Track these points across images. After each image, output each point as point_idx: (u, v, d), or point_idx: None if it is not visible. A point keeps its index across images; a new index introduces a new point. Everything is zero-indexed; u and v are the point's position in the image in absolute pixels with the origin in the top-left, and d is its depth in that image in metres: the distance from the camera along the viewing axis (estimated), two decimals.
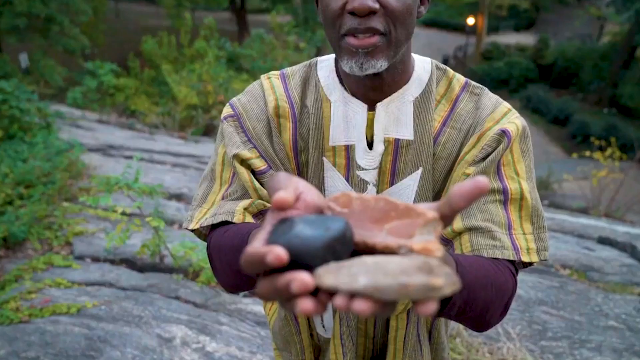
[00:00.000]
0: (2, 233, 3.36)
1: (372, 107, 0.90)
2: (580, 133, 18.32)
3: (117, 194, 3.16)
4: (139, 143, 6.79)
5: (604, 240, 4.30)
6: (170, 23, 20.11)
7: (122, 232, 2.80)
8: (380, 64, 0.81)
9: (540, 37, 26.33)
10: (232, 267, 0.79)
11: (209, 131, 8.82)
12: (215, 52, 10.33)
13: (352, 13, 0.78)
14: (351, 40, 0.80)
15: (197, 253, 2.87)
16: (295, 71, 0.98)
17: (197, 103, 9.27)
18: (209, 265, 2.58)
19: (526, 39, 29.01)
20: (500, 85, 24.23)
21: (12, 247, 3.45)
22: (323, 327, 1.05)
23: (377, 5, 0.78)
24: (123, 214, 3.01)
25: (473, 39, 27.98)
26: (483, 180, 0.47)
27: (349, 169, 0.92)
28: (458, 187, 0.48)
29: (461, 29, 29.16)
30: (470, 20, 27.05)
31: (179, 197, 4.51)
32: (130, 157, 5.74)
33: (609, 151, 7.18)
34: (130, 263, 3.23)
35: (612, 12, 20.34)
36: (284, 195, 0.49)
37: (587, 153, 7.43)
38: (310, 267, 0.44)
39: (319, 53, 14.16)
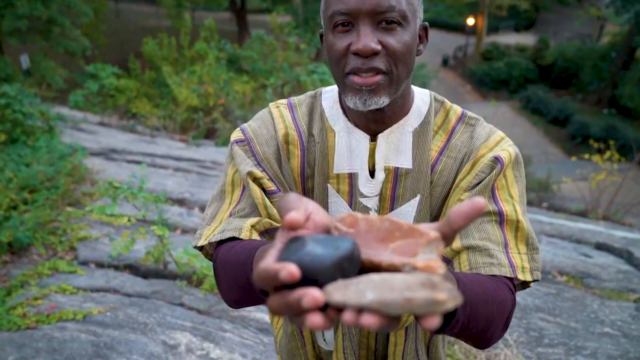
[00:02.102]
0: (7, 238, 3.38)
1: (373, 138, 0.95)
2: (580, 134, 18.37)
3: (121, 199, 3.21)
4: (141, 147, 6.81)
5: (601, 247, 4.33)
6: (170, 23, 20.15)
7: (128, 240, 2.85)
8: (382, 101, 0.86)
9: (540, 38, 26.31)
10: (237, 281, 0.81)
11: (210, 134, 8.83)
12: (216, 54, 10.33)
13: (356, 54, 0.83)
14: (355, 78, 0.84)
15: (201, 260, 2.92)
16: (301, 101, 1.03)
17: (197, 105, 9.29)
18: (212, 272, 2.62)
19: (526, 39, 28.97)
20: (500, 85, 24.24)
21: (17, 252, 3.49)
22: (324, 340, 1.10)
23: (379, 47, 0.83)
24: (128, 221, 3.05)
25: (473, 39, 27.98)
26: (480, 200, 0.51)
27: (352, 196, 0.96)
28: (457, 208, 0.52)
29: (461, 29, 29.14)
30: (470, 21, 27.07)
31: (181, 202, 4.55)
32: (132, 162, 5.77)
33: (607, 154, 7.21)
34: (134, 269, 3.26)
35: (612, 13, 20.37)
36: (295, 215, 0.52)
37: (586, 156, 7.47)
38: (319, 284, 0.46)
39: (319, 54, 14.18)
